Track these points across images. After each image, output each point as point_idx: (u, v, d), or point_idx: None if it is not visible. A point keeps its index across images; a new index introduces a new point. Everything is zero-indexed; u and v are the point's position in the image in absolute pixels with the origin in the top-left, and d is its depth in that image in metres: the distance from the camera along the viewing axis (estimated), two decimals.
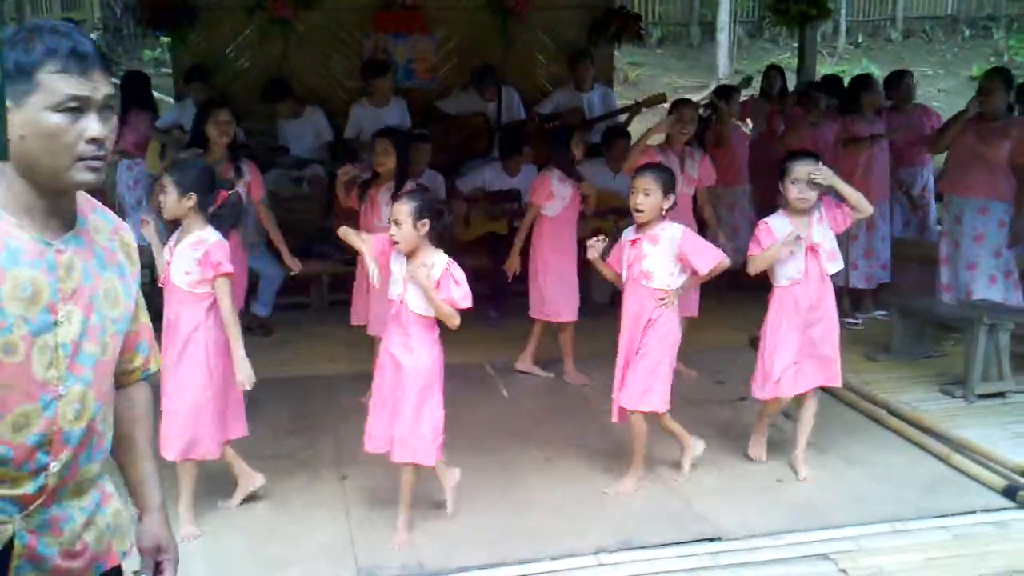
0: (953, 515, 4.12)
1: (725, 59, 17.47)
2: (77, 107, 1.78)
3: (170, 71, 10.78)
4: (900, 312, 6.25)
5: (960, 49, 18.69)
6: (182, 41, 8.40)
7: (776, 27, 17.71)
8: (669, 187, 4.33)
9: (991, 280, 6.26)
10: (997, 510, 4.16)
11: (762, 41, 19.09)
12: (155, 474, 2.17)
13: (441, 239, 3.95)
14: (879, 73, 12.08)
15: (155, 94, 8.41)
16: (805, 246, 4.41)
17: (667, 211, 4.36)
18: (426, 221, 3.84)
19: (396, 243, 3.87)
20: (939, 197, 6.74)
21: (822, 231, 4.47)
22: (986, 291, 6.21)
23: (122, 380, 2.10)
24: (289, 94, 7.83)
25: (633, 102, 8.28)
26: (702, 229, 5.68)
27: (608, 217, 7.10)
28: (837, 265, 4.53)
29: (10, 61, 1.76)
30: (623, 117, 8.31)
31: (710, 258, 4.36)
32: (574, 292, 5.87)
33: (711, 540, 3.94)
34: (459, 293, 3.87)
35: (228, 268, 3.93)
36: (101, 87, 1.81)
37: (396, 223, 3.85)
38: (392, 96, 7.88)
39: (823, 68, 13.67)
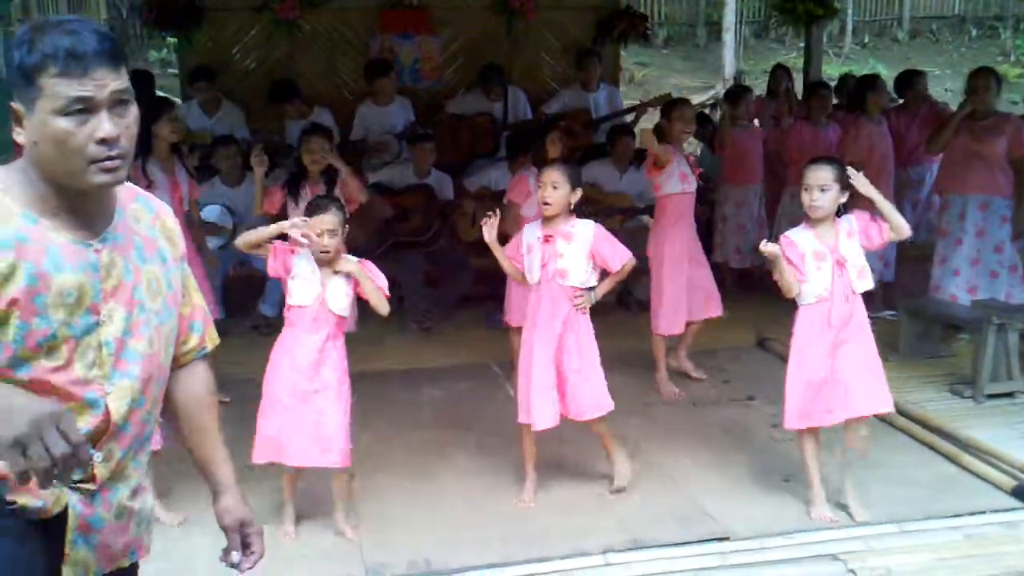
0: (962, 515, 4.10)
1: (731, 59, 17.44)
2: (83, 108, 1.73)
3: (177, 72, 10.80)
4: (908, 312, 6.22)
5: (967, 49, 18.65)
6: (188, 42, 8.43)
7: (782, 27, 17.68)
8: (577, 182, 4.27)
9: (992, 275, 6.27)
10: (1006, 510, 4.14)
11: (768, 41, 19.06)
12: (223, 451, 2.17)
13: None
14: (887, 73, 12.05)
15: (162, 95, 8.42)
16: (833, 260, 4.02)
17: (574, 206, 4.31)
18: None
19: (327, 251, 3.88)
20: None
21: (850, 245, 4.05)
22: (989, 287, 6.21)
23: (179, 361, 2.10)
24: (296, 95, 7.84)
25: (639, 102, 8.27)
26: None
27: (614, 216, 7.09)
28: (866, 284, 4.08)
29: (16, 64, 1.74)
30: (629, 117, 8.30)
31: (621, 256, 4.30)
32: None
33: (719, 540, 3.93)
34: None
35: None
36: (108, 83, 1.75)
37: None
38: (396, 96, 7.88)
39: (829, 68, 13.67)
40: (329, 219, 3.86)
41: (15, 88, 1.76)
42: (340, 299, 3.92)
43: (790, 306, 4.20)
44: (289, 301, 3.98)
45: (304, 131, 5.72)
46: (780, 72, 8.97)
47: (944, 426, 4.92)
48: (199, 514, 4.10)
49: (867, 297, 4.26)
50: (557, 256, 4.24)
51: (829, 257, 4.02)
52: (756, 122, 8.47)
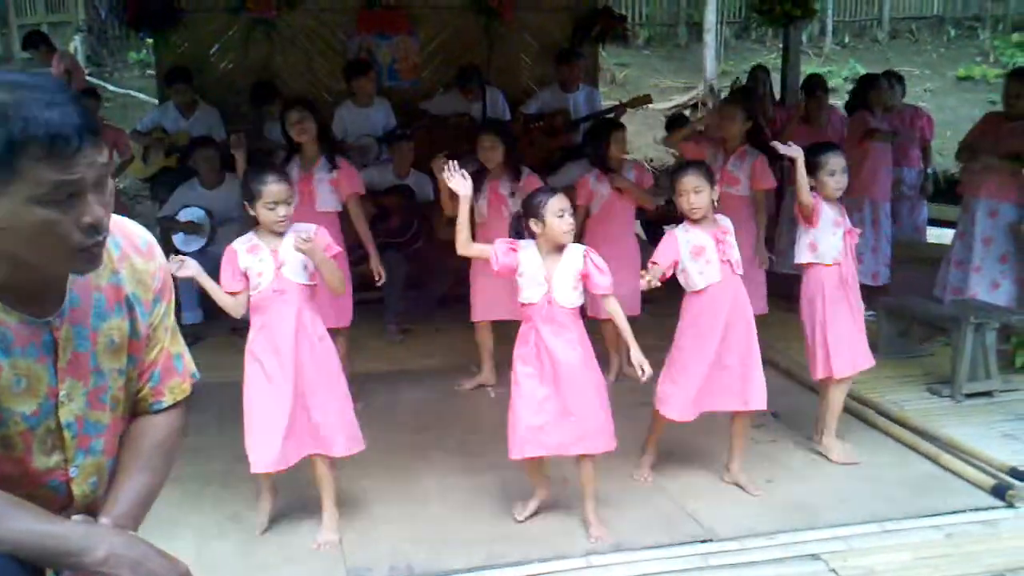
0: (942, 514, 4.11)
1: (712, 60, 17.48)
2: (70, 193, 1.52)
3: (155, 73, 10.74)
4: (887, 312, 6.24)
5: (946, 49, 18.74)
6: (165, 43, 8.36)
7: (763, 28, 17.73)
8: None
9: (994, 285, 6.16)
10: (986, 509, 4.15)
11: (749, 42, 19.10)
12: (133, 490, 1.85)
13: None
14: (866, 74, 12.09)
15: (141, 96, 8.37)
16: (844, 230, 4.60)
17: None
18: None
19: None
20: (959, 198, 6.64)
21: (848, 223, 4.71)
22: (988, 295, 6.11)
23: (134, 409, 1.93)
24: (276, 96, 7.79)
25: (618, 102, 8.27)
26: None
27: None
28: None
29: None
30: (609, 117, 8.29)
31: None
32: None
33: (702, 541, 3.92)
34: (607, 279, 3.91)
35: None
36: (95, 162, 1.55)
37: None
38: (376, 96, 7.85)
39: (809, 68, 13.69)
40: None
41: None
42: (568, 293, 3.86)
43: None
44: (520, 299, 3.94)
45: (284, 107, 5.61)
46: (760, 73, 8.98)
47: (923, 426, 4.94)
48: (183, 517, 4.10)
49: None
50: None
51: (842, 227, 4.58)
52: None
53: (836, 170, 4.58)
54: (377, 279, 5.45)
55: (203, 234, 6.83)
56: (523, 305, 3.92)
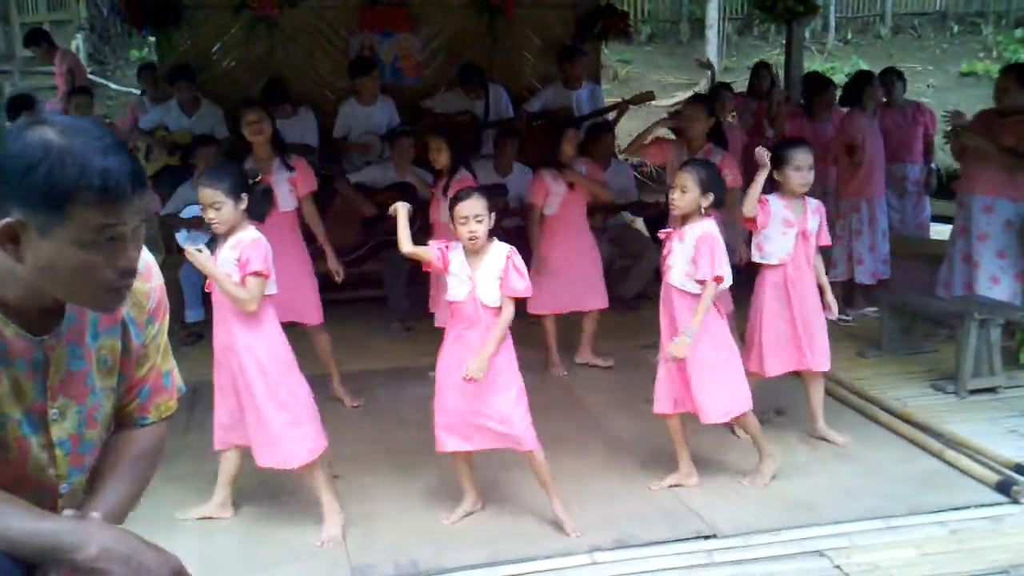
0: (947, 511, 4.11)
1: (715, 56, 17.45)
2: (111, 237, 1.57)
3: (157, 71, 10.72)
4: (890, 309, 6.23)
5: (949, 45, 18.71)
6: (167, 41, 8.35)
7: (765, 24, 17.70)
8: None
9: (993, 280, 6.12)
10: (990, 505, 4.15)
11: (752, 38, 19.07)
12: (114, 499, 1.86)
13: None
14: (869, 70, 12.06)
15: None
16: (798, 231, 4.64)
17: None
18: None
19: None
20: (953, 194, 6.64)
21: (815, 221, 4.71)
22: (987, 291, 6.08)
23: (119, 422, 1.94)
24: (287, 97, 7.77)
25: (620, 99, 8.26)
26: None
27: (595, 214, 7.06)
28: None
29: (40, 185, 1.51)
30: (612, 115, 8.29)
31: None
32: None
33: (706, 538, 3.92)
34: (524, 283, 3.92)
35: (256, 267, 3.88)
36: (140, 209, 1.60)
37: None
38: (379, 95, 7.84)
39: (812, 65, 13.68)
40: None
41: (20, 202, 1.53)
42: (491, 292, 3.89)
43: None
44: (446, 297, 4.02)
45: (241, 104, 5.62)
46: (763, 70, 8.96)
47: (927, 422, 4.93)
48: (182, 513, 4.10)
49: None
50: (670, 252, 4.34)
51: (795, 227, 4.61)
52: (735, 118, 8.47)
53: (802, 166, 4.60)
54: (336, 277, 5.54)
55: (206, 231, 6.81)
56: (450, 303, 4.01)
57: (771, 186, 4.67)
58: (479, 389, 3.90)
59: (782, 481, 4.40)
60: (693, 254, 4.17)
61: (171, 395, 2.02)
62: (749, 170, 7.62)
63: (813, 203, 4.75)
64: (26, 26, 13.95)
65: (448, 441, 4.02)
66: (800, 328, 4.68)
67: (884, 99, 8.05)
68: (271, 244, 3.99)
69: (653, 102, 8.56)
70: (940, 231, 8.57)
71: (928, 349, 6.19)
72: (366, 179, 7.17)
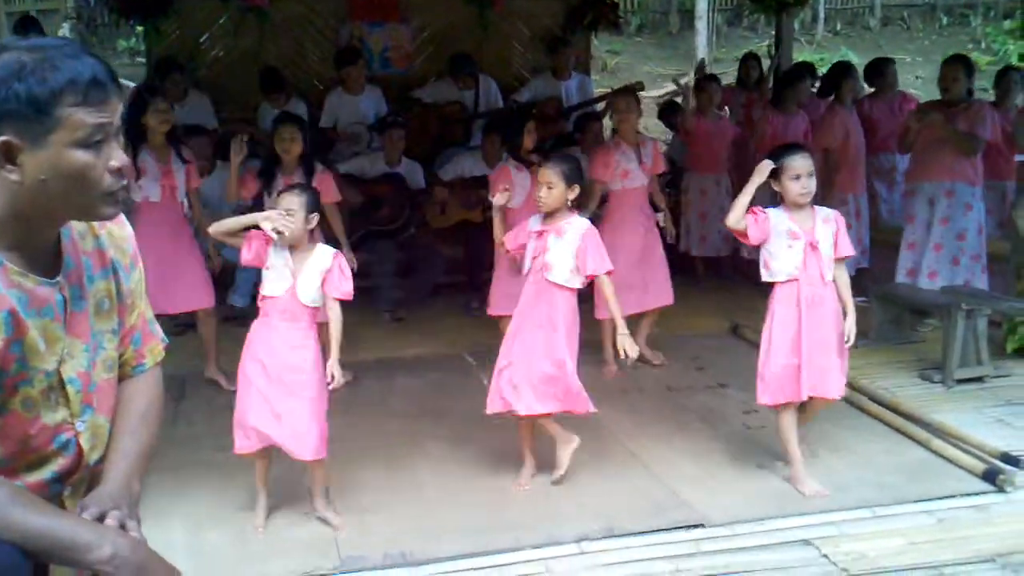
0: (934, 500, 4.12)
1: (704, 47, 17.46)
2: (101, 139, 1.64)
3: (144, 61, 10.69)
4: (879, 298, 6.25)
5: (938, 36, 18.77)
6: (155, 30, 8.31)
7: (754, 15, 17.71)
8: (575, 179, 4.19)
9: (954, 262, 6.30)
10: (977, 494, 4.16)
11: (741, 29, 19.10)
12: (132, 450, 1.91)
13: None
14: (858, 61, 12.10)
15: (131, 84, 8.31)
16: (805, 242, 4.12)
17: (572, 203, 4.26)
18: (316, 215, 3.92)
19: (280, 234, 3.85)
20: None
21: (825, 231, 4.16)
22: (949, 273, 6.25)
23: (119, 374, 1.98)
24: (283, 86, 7.74)
25: (609, 90, 8.26)
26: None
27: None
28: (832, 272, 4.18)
29: (23, 95, 1.58)
30: (600, 105, 8.29)
31: (598, 264, 4.23)
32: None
33: (693, 527, 3.93)
34: (349, 285, 3.93)
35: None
36: (118, 108, 1.68)
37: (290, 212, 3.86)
38: (367, 85, 7.82)
39: (801, 56, 13.68)
40: (287, 199, 3.90)
41: (14, 121, 1.59)
42: (310, 291, 3.90)
43: (763, 292, 4.23)
44: (263, 291, 3.96)
45: (275, 120, 5.66)
46: (751, 62, 8.97)
47: (915, 411, 4.95)
48: (177, 507, 4.09)
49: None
50: (545, 250, 4.24)
51: (803, 239, 4.13)
52: (726, 110, 8.48)
53: (801, 174, 4.08)
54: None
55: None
56: (264, 298, 3.96)
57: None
58: (282, 389, 3.85)
59: (769, 471, 4.42)
60: (577, 250, 4.16)
61: (158, 340, 2.09)
62: (739, 163, 7.73)
63: (824, 211, 4.21)
64: (13, 15, 13.85)
65: (243, 444, 3.91)
66: (805, 356, 4.10)
67: (872, 89, 8.08)
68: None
69: (642, 93, 8.57)
70: None
71: (916, 339, 6.21)
72: (354, 169, 7.17)
